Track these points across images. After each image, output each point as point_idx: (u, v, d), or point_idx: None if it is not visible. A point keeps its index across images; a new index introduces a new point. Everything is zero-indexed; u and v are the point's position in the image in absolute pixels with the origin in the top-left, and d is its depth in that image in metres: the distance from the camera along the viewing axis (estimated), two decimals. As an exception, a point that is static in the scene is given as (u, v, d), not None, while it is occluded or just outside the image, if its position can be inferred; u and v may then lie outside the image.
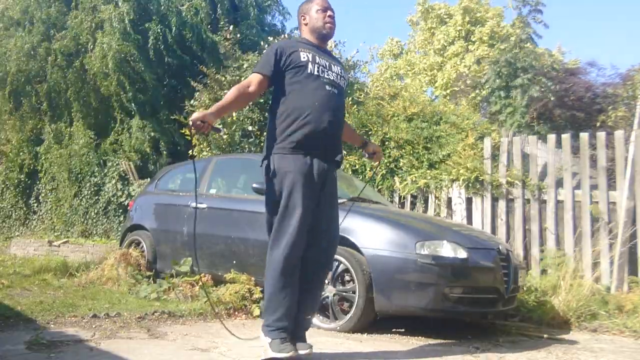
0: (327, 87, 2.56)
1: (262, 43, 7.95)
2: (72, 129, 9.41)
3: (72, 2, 9.42)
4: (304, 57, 2.53)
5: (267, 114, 6.65)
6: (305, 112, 2.47)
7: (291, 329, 2.46)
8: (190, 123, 2.35)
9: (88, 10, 9.08)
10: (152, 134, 8.71)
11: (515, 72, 7.20)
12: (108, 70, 8.46)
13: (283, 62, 2.52)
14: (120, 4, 8.56)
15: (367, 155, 3.05)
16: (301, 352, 2.41)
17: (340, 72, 2.68)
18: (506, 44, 8.10)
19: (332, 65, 2.64)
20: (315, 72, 2.54)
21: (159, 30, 8.64)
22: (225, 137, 6.71)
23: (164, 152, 8.74)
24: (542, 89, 6.84)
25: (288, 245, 2.40)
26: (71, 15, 9.21)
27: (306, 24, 2.68)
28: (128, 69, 8.54)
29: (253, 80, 2.53)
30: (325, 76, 2.57)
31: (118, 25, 8.41)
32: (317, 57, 2.57)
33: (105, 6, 8.62)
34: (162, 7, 8.86)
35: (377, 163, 3.15)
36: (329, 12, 2.65)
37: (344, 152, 4.33)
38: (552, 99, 6.72)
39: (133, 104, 8.65)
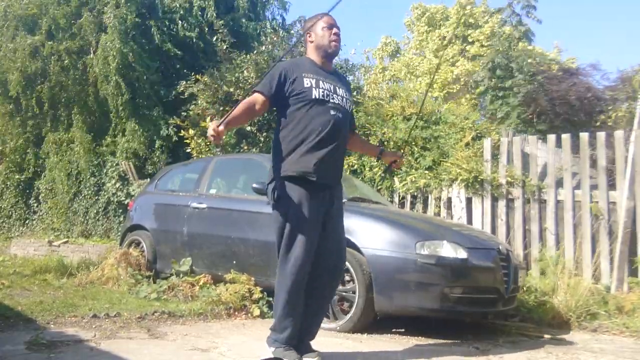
0: (332, 112, 2.55)
1: (257, 42, 7.95)
2: (71, 131, 9.40)
3: (78, 2, 9.37)
4: (307, 83, 2.52)
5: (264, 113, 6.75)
6: (310, 138, 2.48)
7: (298, 341, 2.50)
8: (209, 136, 2.37)
9: (94, 10, 9.06)
10: (148, 135, 8.70)
11: (511, 73, 7.18)
12: (108, 71, 8.45)
13: (287, 88, 2.52)
14: (122, 4, 8.53)
15: (387, 167, 3.02)
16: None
17: (345, 95, 2.66)
18: (498, 44, 8.00)
19: (337, 88, 2.62)
20: (320, 97, 2.52)
21: (162, 29, 8.64)
22: (225, 138, 6.71)
23: (158, 153, 8.71)
24: (535, 90, 6.82)
25: (295, 271, 2.42)
26: (85, 14, 9.13)
27: (312, 42, 2.67)
28: (128, 70, 8.52)
29: (257, 99, 2.54)
30: (331, 100, 2.56)
31: (120, 25, 8.39)
32: (320, 82, 2.55)
33: (108, 7, 8.59)
34: (165, 8, 8.84)
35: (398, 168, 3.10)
36: (334, 30, 2.63)
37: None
38: (544, 99, 6.70)
39: (129, 105, 8.62)
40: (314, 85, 2.53)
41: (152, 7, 8.88)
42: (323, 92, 2.54)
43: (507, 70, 7.20)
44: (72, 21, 9.20)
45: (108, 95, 8.61)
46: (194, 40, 8.93)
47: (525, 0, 8.58)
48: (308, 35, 2.69)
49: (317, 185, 2.48)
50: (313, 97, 2.51)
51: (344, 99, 2.64)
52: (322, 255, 2.52)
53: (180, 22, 8.93)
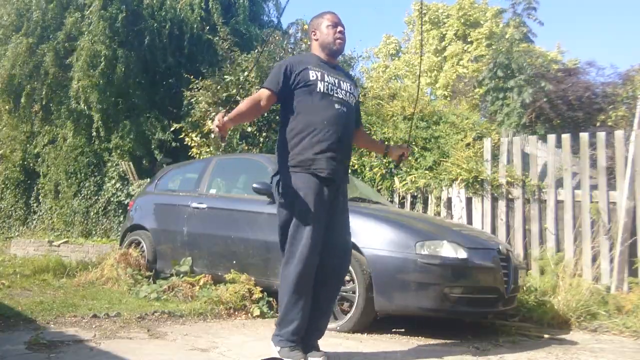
0: (336, 106, 2.57)
1: (257, 42, 7.95)
2: (64, 130, 9.38)
3: (68, 2, 9.35)
4: (312, 76, 2.54)
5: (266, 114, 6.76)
6: (314, 131, 2.49)
7: (303, 338, 2.48)
8: (213, 128, 2.42)
9: (78, 10, 9.03)
10: (144, 135, 8.69)
11: (512, 73, 7.18)
12: (95, 72, 8.43)
13: (292, 80, 2.54)
14: (108, 6, 8.48)
15: (395, 162, 2.98)
16: (313, 359, 2.43)
17: (350, 89, 2.68)
18: (500, 44, 8.04)
19: (342, 83, 2.64)
20: (324, 91, 2.55)
21: (153, 30, 8.62)
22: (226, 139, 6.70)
23: (154, 153, 8.70)
24: (537, 91, 6.82)
25: (301, 261, 2.41)
26: (68, 16, 9.12)
27: (316, 40, 2.69)
28: (116, 70, 8.51)
29: (263, 95, 2.56)
30: (335, 94, 2.58)
31: (108, 26, 8.37)
32: (326, 75, 2.58)
33: (94, 7, 8.54)
34: (156, 8, 8.80)
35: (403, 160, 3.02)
36: (339, 28, 2.66)
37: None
38: (544, 100, 6.71)
39: (123, 106, 8.61)
40: (319, 78, 2.55)
41: (141, 10, 8.83)
42: (327, 85, 2.56)
43: (508, 70, 7.20)
44: (59, 21, 9.18)
45: (100, 96, 8.55)
46: (189, 41, 8.91)
47: (526, 2, 8.59)
48: (313, 33, 2.71)
49: (322, 178, 2.49)
50: (318, 89, 2.53)
51: (348, 94, 2.66)
52: (326, 252, 2.51)
53: (177, 21, 8.91)
